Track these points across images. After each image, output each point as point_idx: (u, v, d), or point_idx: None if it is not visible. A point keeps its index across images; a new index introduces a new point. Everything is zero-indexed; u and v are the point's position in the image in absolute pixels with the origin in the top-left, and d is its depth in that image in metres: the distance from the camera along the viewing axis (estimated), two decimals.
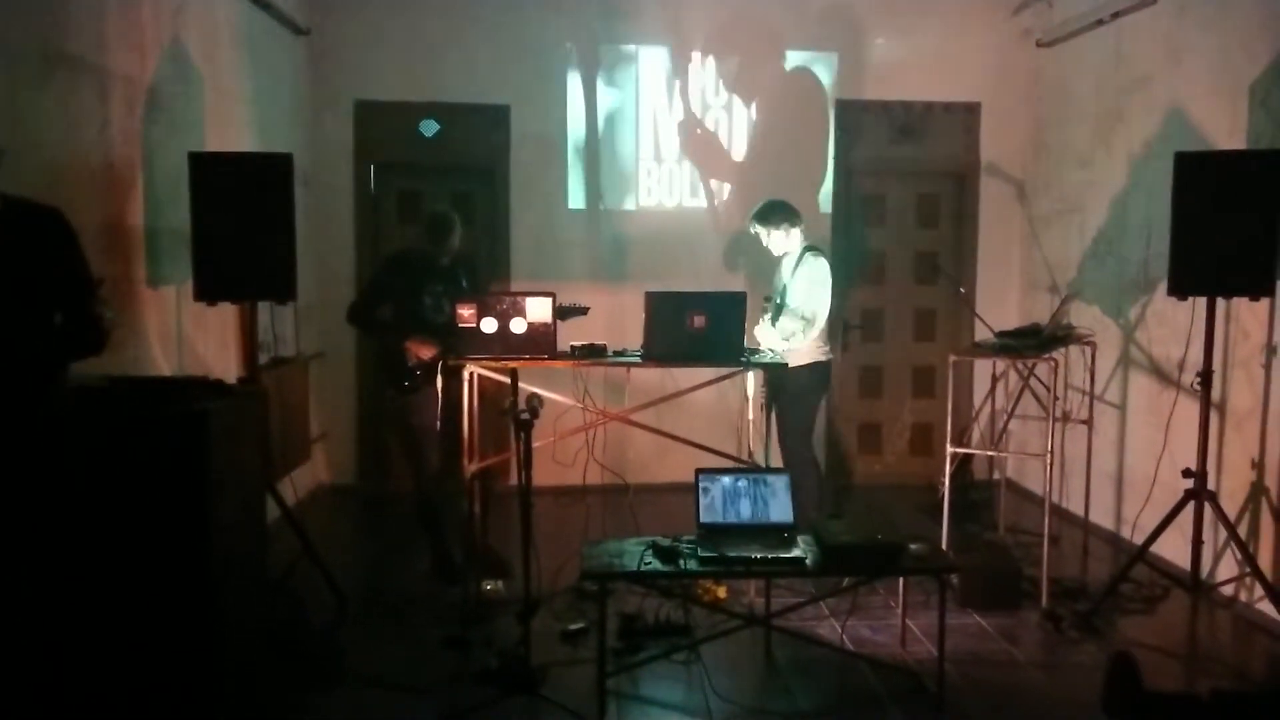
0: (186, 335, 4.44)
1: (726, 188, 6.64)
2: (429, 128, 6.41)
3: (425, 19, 6.32)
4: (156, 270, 4.15)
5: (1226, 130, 4.62)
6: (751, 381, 4.80)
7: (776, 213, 5.04)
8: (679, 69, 6.54)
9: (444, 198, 6.49)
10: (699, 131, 6.59)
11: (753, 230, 5.12)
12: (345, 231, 6.45)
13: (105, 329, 2.86)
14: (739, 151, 6.63)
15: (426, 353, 4.60)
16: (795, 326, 4.87)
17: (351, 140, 6.40)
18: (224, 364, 4.79)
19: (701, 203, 6.63)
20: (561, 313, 4.93)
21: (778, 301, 5.02)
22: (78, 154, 3.57)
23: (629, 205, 6.58)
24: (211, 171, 4.06)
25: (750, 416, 4.75)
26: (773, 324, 4.94)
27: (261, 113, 5.43)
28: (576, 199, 6.57)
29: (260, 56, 5.43)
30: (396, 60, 6.33)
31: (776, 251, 5.08)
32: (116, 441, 3.21)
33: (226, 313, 4.63)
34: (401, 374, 4.67)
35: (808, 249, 5.03)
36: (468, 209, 6.44)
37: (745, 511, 3.79)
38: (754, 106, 6.61)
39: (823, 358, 4.98)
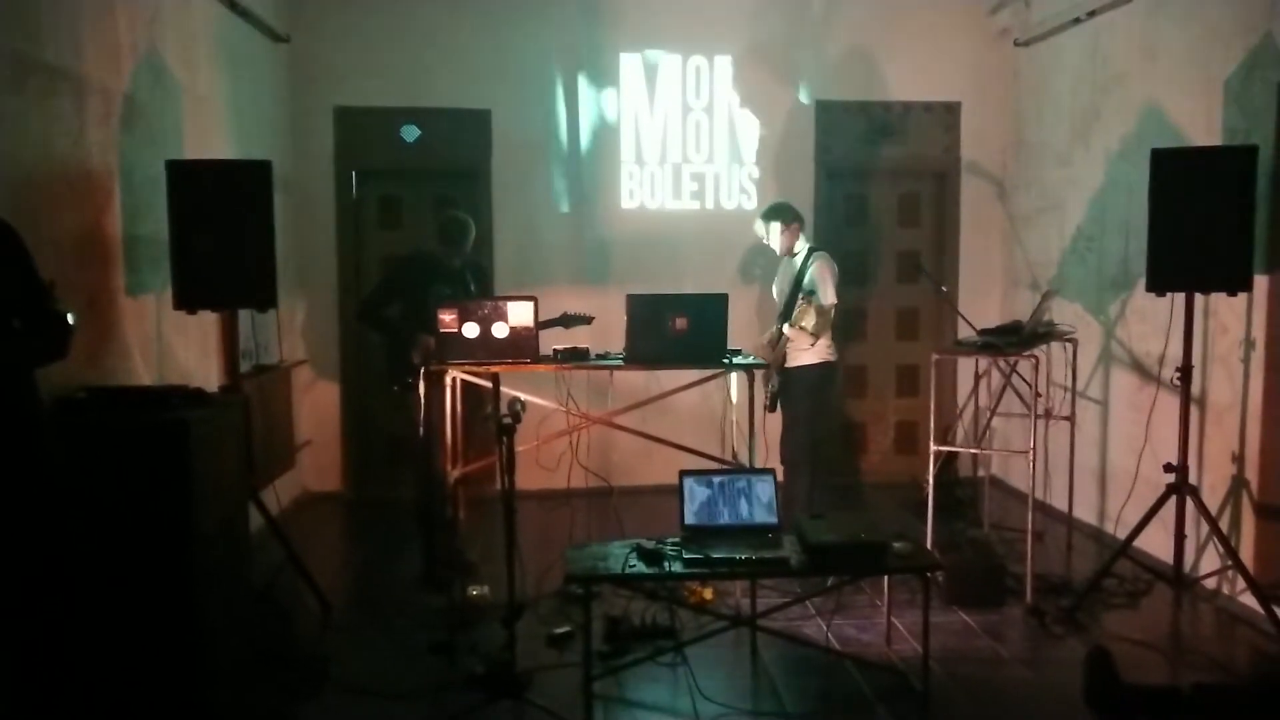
0: (167, 344, 4.42)
1: (708, 192, 6.63)
2: (410, 133, 6.39)
3: (405, 25, 6.30)
4: (135, 279, 4.13)
5: (1202, 126, 4.65)
6: (735, 383, 4.81)
7: (783, 212, 5.15)
8: (659, 72, 6.54)
9: (426, 203, 6.49)
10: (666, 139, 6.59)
11: (759, 229, 5.20)
12: (327, 238, 6.43)
13: (70, 327, 2.83)
14: (720, 154, 6.63)
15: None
16: (822, 321, 4.84)
17: (332, 146, 6.38)
18: (206, 372, 4.77)
19: (685, 204, 6.62)
20: (566, 321, 4.97)
21: (787, 299, 5.06)
22: (53, 163, 3.55)
23: (611, 208, 6.58)
24: (189, 179, 4.05)
25: (733, 417, 4.75)
26: (789, 323, 4.94)
27: (241, 120, 5.41)
28: (559, 202, 6.56)
29: (239, 64, 5.41)
30: (377, 66, 6.31)
31: (781, 250, 5.15)
32: (95, 452, 3.20)
33: (207, 321, 4.61)
34: (406, 372, 4.68)
35: (813, 249, 5.11)
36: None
37: (729, 513, 3.78)
38: (733, 107, 6.61)
39: (831, 357, 5.05)
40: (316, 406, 6.47)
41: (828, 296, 4.96)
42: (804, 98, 6.66)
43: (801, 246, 5.14)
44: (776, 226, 5.12)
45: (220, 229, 4.02)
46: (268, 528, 4.37)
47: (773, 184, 6.56)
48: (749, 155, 6.63)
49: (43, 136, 3.49)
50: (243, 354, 4.70)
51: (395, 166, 6.50)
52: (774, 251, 5.24)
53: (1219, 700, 3.17)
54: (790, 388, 4.99)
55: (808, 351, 4.95)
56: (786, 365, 5.01)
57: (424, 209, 6.47)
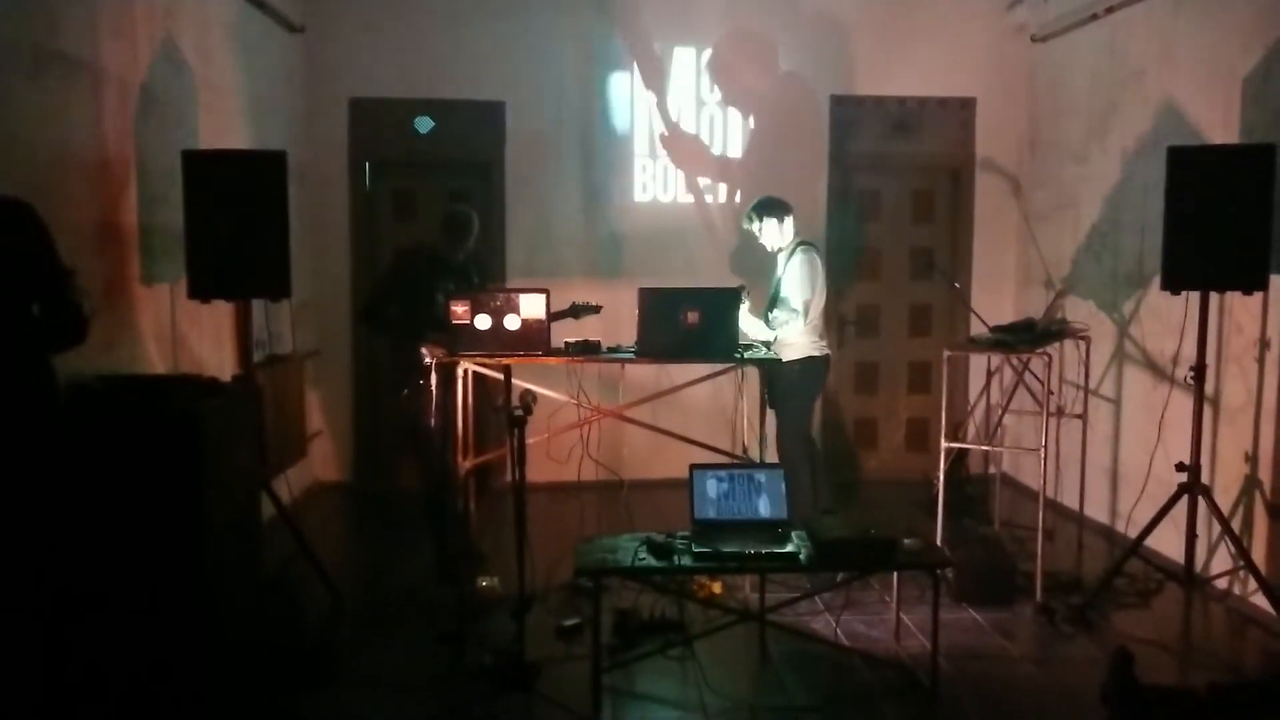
0: (181, 333, 4.44)
1: (722, 185, 6.63)
2: (424, 125, 6.40)
3: (420, 16, 6.31)
4: (150, 268, 4.15)
5: (1220, 124, 4.62)
6: (746, 377, 4.80)
7: (767, 207, 5.05)
8: (671, 64, 6.53)
9: (439, 195, 6.49)
10: (680, 133, 6.58)
11: (745, 226, 5.13)
12: (340, 229, 6.44)
13: (85, 316, 2.84)
14: (734, 148, 6.62)
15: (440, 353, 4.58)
16: (785, 317, 4.88)
17: (346, 137, 6.39)
18: (219, 362, 4.79)
19: (700, 197, 6.62)
20: (575, 311, 4.94)
21: (771, 294, 5.02)
22: (70, 152, 3.57)
23: (624, 201, 6.58)
24: (205, 169, 4.06)
25: (745, 411, 4.75)
26: (767, 314, 4.94)
27: (256, 110, 5.42)
28: (572, 195, 6.56)
29: (255, 54, 5.42)
30: (391, 57, 6.32)
31: (771, 246, 5.08)
32: (109, 441, 3.22)
33: (221, 310, 4.63)
34: (415, 374, 4.67)
35: (800, 243, 5.03)
36: None
37: (740, 507, 3.79)
38: (748, 102, 6.60)
39: (817, 352, 4.97)
40: (328, 397, 6.50)
41: (802, 294, 4.88)
42: (819, 92, 6.64)
43: (789, 241, 5.07)
44: (765, 223, 5.03)
45: (235, 219, 4.02)
46: (279, 517, 4.40)
47: (787, 178, 6.54)
48: (763, 149, 6.61)
49: (61, 125, 3.51)
50: (256, 344, 4.71)
51: (409, 158, 6.50)
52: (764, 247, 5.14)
53: (1233, 700, 3.16)
54: (776, 384, 4.88)
55: (790, 347, 4.87)
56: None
57: (437, 201, 6.47)
